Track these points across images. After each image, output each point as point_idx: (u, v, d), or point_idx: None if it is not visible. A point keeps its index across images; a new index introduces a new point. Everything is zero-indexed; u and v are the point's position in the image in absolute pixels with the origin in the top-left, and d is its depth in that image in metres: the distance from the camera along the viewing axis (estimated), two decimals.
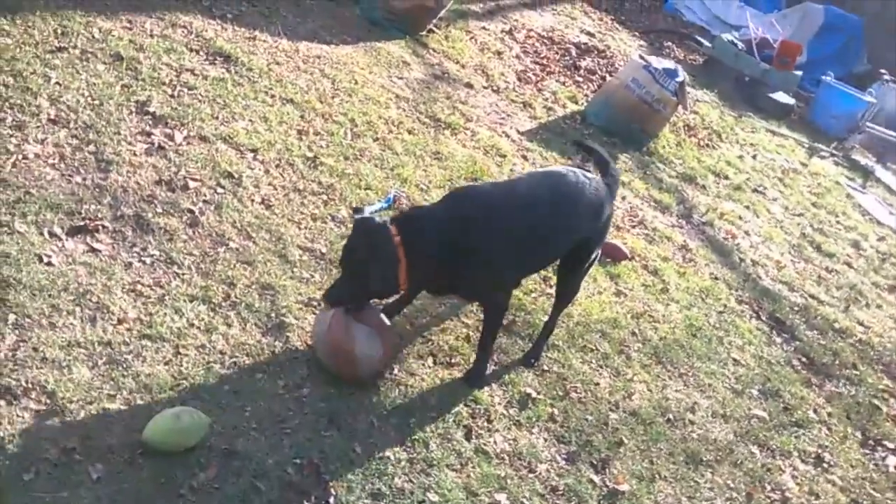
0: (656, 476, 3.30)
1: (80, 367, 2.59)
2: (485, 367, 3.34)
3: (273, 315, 3.15)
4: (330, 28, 5.71)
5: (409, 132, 4.90)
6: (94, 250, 3.04)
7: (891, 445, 4.16)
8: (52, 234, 3.01)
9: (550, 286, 3.97)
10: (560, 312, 3.65)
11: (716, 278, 5.01)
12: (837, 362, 4.69)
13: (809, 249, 6.01)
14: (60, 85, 3.76)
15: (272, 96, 4.53)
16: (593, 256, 3.53)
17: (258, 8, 5.46)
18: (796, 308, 5.06)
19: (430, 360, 3.32)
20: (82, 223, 3.12)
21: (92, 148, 3.50)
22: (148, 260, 3.12)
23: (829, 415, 4.21)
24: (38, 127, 3.46)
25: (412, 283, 3.02)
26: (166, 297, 2.99)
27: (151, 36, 4.50)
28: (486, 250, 3.02)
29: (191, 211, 3.44)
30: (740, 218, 6.00)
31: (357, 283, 2.91)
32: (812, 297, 5.30)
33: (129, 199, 3.34)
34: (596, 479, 3.15)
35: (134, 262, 3.08)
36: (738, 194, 6.38)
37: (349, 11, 6.09)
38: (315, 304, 3.28)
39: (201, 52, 4.59)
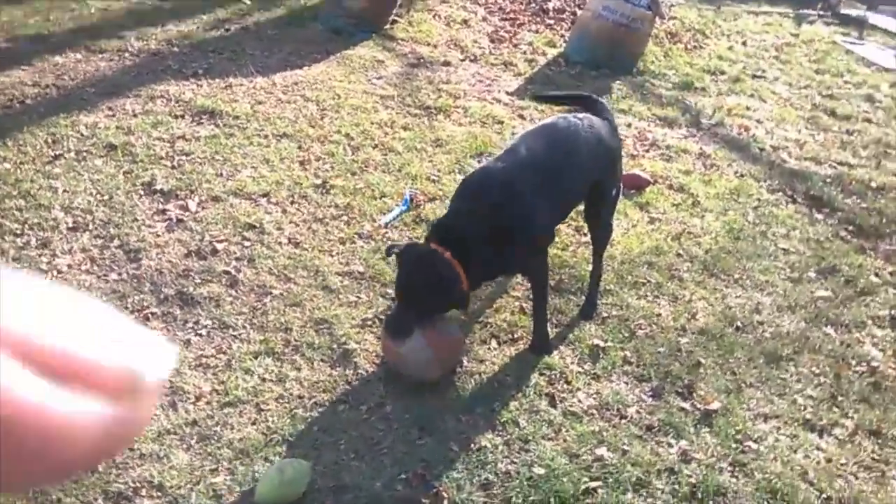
0: (742, 385, 3.33)
1: (176, 453, 2.68)
2: (546, 333, 3.37)
3: (335, 346, 3.22)
4: (298, 51, 5.73)
5: (405, 128, 4.93)
6: None
7: None
8: None
9: (584, 235, 4.00)
10: (601, 256, 3.67)
11: (742, 176, 4.98)
12: (884, 220, 4.66)
13: (825, 118, 5.94)
14: (68, 192, 3.85)
15: (265, 136, 4.58)
16: (614, 191, 3.54)
17: (224, 55, 5.50)
18: (829, 180, 5.03)
19: (493, 343, 3.38)
20: (132, 316, 3.21)
21: (117, 242, 3.59)
22: (203, 332, 3.21)
23: (892, 274, 4.19)
24: (61, 238, 3.56)
25: (472, 287, 3.07)
26: (232, 362, 3.08)
27: (135, 116, 4.57)
28: (519, 222, 3.05)
29: (227, 272, 3.52)
30: (748, 108, 5.95)
31: (424, 312, 2.94)
32: (841, 164, 5.25)
33: (167, 280, 3.43)
34: (686, 405, 3.18)
35: (192, 338, 3.17)
36: (738, 86, 6.32)
37: (311, 29, 6.11)
38: (370, 323, 3.35)
39: (186, 116, 4.65)
